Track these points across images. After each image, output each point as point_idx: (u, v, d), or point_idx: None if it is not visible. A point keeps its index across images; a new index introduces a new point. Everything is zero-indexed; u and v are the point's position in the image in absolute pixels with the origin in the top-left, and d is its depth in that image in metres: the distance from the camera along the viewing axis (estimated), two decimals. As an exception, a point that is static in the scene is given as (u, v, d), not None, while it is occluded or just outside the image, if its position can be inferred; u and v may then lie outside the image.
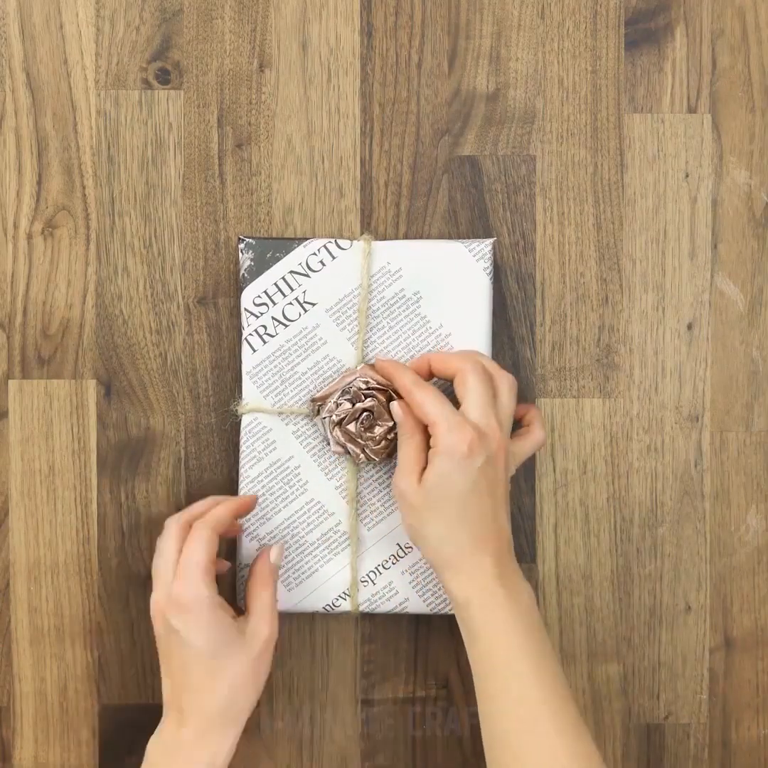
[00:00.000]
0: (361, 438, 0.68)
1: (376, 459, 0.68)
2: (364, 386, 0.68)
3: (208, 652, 0.62)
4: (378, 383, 0.68)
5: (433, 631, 0.73)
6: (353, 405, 0.68)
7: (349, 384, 0.68)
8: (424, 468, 0.64)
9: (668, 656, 0.73)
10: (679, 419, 0.73)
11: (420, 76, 0.72)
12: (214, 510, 0.65)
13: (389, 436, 0.68)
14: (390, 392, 0.67)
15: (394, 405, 0.66)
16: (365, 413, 0.68)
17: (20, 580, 0.72)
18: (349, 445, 0.68)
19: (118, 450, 0.72)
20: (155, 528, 0.72)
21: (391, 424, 0.67)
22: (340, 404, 0.68)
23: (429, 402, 0.64)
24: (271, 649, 0.65)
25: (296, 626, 0.73)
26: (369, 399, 0.68)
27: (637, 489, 0.73)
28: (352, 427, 0.68)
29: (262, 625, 0.64)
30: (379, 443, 0.68)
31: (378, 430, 0.68)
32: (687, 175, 0.73)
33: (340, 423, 0.68)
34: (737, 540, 0.73)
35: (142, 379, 0.72)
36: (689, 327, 0.73)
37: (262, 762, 0.73)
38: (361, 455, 0.68)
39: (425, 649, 0.73)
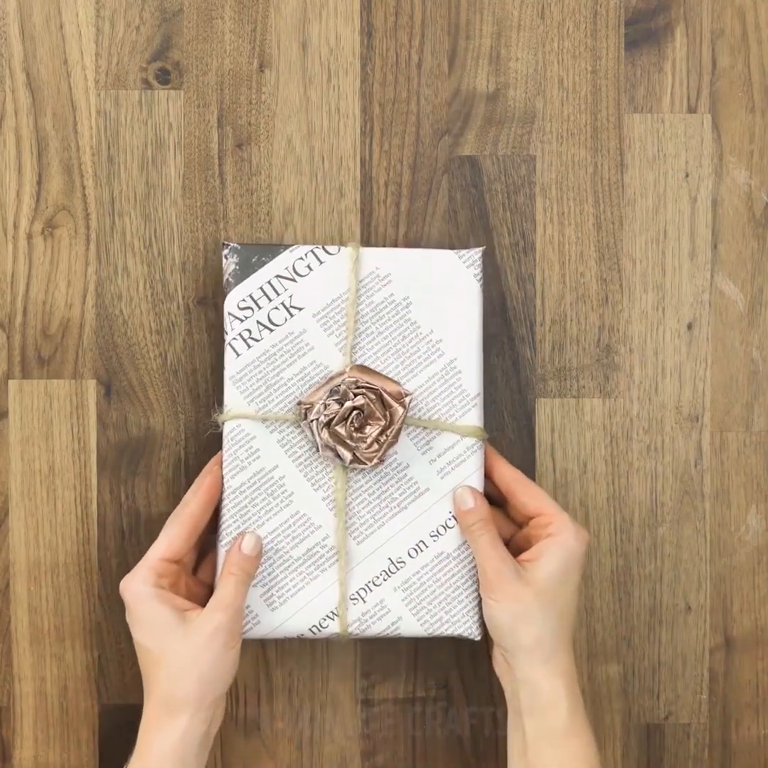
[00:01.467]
0: (352, 439, 0.65)
1: (368, 463, 0.65)
2: (353, 385, 0.66)
3: (147, 644, 0.64)
4: (367, 383, 0.66)
5: (433, 631, 0.73)
6: (342, 405, 0.65)
7: (337, 384, 0.66)
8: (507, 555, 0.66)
9: (668, 656, 0.73)
10: (679, 419, 0.73)
11: (420, 76, 0.72)
12: (186, 508, 0.67)
13: (381, 438, 0.65)
14: (380, 391, 0.66)
15: (465, 491, 0.66)
16: (355, 412, 0.65)
17: (20, 580, 0.72)
18: (339, 448, 0.65)
19: (118, 450, 0.72)
20: (155, 528, 0.72)
21: (382, 424, 0.65)
22: (329, 405, 0.65)
23: (545, 496, 0.67)
24: (224, 638, 0.63)
25: (296, 626, 0.73)
26: (359, 397, 0.65)
27: (637, 489, 0.73)
28: (341, 428, 0.65)
29: (213, 615, 0.63)
30: (370, 446, 0.65)
31: (369, 430, 0.65)
32: (687, 175, 0.73)
33: (328, 424, 0.65)
34: (737, 540, 0.73)
35: (142, 379, 0.72)
36: (689, 327, 0.73)
37: (262, 762, 0.73)
38: (351, 458, 0.65)
39: (425, 649, 0.73)
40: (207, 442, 0.72)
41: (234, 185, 0.72)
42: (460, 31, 0.72)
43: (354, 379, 0.66)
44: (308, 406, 0.66)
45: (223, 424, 0.67)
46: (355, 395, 0.65)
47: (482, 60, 0.72)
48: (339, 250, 0.68)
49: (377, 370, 0.67)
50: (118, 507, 0.72)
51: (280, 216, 0.72)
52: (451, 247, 0.72)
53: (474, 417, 0.68)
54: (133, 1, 0.72)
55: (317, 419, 0.65)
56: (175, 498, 0.72)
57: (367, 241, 0.72)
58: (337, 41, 0.72)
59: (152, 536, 0.72)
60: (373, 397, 0.66)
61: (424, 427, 0.67)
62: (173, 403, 0.72)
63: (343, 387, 0.66)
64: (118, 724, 0.73)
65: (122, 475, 0.72)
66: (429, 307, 0.68)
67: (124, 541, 0.72)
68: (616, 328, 0.73)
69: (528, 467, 0.72)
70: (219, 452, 0.68)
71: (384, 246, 0.72)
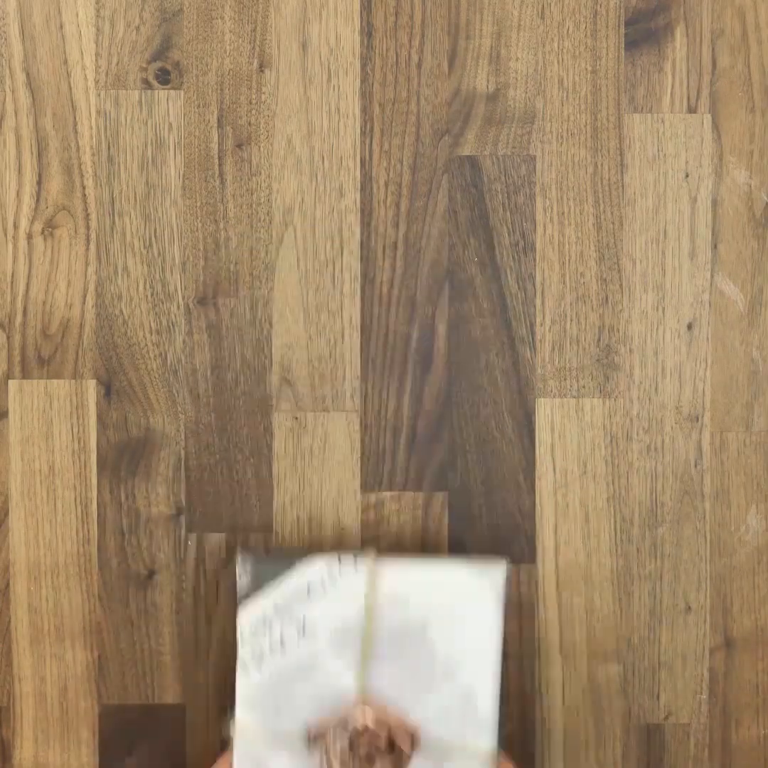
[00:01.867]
0: None
1: None
2: (361, 724, 0.65)
3: None
4: (377, 726, 0.65)
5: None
6: (351, 743, 0.65)
7: (346, 723, 0.65)
8: None
9: (668, 656, 0.73)
10: (679, 419, 0.73)
11: (420, 76, 0.72)
12: None
13: None
14: (390, 732, 0.65)
15: None
16: (364, 751, 0.65)
17: (20, 580, 0.72)
18: None
19: (118, 450, 0.72)
20: (155, 528, 0.72)
21: (390, 762, 0.65)
22: (338, 741, 0.65)
23: None
24: None
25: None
26: (367, 739, 0.65)
27: (637, 489, 0.73)
28: (350, 764, 0.65)
29: None
30: None
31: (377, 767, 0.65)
32: (687, 175, 0.73)
33: (338, 760, 0.65)
34: (737, 540, 0.73)
35: (142, 379, 0.72)
36: (689, 327, 0.73)
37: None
38: None
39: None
40: (207, 442, 0.72)
41: (234, 185, 0.72)
42: (460, 31, 0.72)
43: (363, 720, 0.65)
44: (317, 736, 0.66)
45: (232, 740, 0.67)
46: (363, 734, 0.65)
47: (482, 60, 0.73)
48: (355, 567, 0.67)
49: (391, 694, 0.67)
50: (118, 507, 0.72)
51: (280, 216, 0.72)
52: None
53: (487, 740, 0.67)
54: (133, 1, 0.72)
55: (326, 755, 0.66)
56: (175, 498, 0.72)
57: (366, 241, 0.72)
58: (337, 41, 0.72)
59: (152, 536, 0.72)
60: (382, 739, 0.65)
61: (436, 749, 0.67)
62: (173, 403, 0.72)
63: (353, 727, 0.65)
64: (118, 724, 0.73)
65: (122, 475, 0.72)
66: (447, 630, 0.67)
67: (124, 541, 0.72)
68: (616, 328, 0.73)
69: (528, 467, 0.72)
70: (228, 755, 0.68)
71: (384, 246, 0.72)
